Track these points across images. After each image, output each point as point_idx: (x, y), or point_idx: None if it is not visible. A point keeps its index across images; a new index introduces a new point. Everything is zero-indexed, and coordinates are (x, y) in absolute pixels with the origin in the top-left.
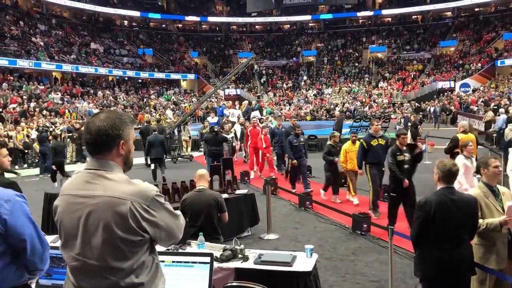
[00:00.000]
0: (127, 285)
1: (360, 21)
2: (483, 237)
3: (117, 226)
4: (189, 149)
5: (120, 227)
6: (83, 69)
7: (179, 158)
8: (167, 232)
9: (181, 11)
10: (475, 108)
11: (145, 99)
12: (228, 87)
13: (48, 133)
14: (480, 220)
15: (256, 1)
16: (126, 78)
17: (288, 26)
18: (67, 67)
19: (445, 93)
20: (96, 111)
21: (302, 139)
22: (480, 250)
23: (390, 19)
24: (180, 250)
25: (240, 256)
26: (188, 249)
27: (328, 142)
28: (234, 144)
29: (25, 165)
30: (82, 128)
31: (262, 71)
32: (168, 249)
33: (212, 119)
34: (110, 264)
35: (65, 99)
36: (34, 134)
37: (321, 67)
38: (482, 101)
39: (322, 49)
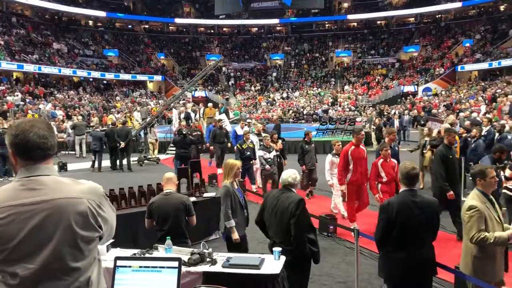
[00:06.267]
0: (82, 284)
1: (327, 25)
2: (484, 251)
3: (77, 225)
4: (155, 151)
5: (81, 226)
6: (46, 69)
7: (145, 161)
8: (110, 228)
9: (147, 12)
10: (437, 112)
11: (110, 101)
12: (196, 89)
13: None
14: (488, 234)
15: (224, 3)
16: (91, 79)
17: (256, 29)
18: (29, 67)
19: (408, 97)
20: (59, 112)
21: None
22: (479, 264)
23: (355, 24)
24: (147, 255)
25: (208, 259)
26: (155, 254)
27: None
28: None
29: None
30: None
31: (230, 73)
32: (135, 254)
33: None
34: (68, 265)
35: (27, 100)
36: None
37: (289, 70)
38: (444, 105)
39: (289, 53)
